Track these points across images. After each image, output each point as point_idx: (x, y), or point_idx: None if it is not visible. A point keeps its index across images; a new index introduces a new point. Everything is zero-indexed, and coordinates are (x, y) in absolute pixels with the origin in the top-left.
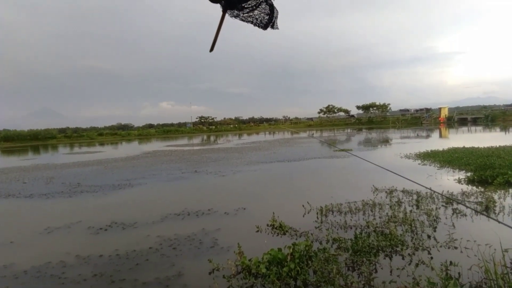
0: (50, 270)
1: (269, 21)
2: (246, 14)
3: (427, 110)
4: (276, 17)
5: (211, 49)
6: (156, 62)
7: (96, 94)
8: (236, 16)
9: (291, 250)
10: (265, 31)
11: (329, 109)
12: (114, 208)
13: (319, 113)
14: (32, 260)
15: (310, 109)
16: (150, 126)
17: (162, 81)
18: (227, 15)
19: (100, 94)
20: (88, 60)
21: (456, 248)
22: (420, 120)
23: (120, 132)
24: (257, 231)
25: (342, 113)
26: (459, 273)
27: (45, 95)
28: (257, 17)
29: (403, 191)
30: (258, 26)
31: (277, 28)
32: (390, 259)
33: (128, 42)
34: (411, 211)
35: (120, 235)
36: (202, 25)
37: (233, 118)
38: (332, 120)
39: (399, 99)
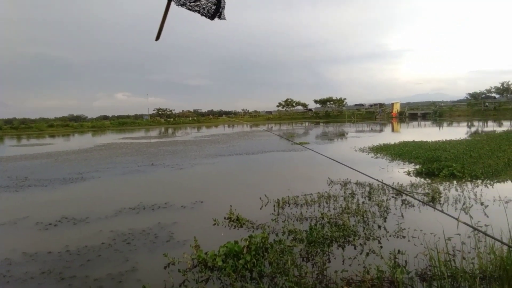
0: None
1: (216, 11)
2: (193, 3)
3: (381, 105)
4: (223, 7)
5: (157, 38)
6: (110, 51)
7: (45, 83)
8: (182, 5)
9: (247, 242)
10: (215, 21)
11: (288, 103)
12: (65, 203)
13: (278, 106)
14: None
15: (269, 103)
16: (105, 117)
17: (117, 71)
18: (173, 4)
19: (49, 83)
20: (34, 47)
21: (404, 237)
22: (374, 114)
23: (72, 124)
24: (214, 224)
25: (300, 107)
26: (406, 261)
27: None
28: (204, 6)
29: (356, 183)
30: (205, 16)
31: (224, 19)
32: (343, 249)
33: (79, 29)
34: (363, 202)
35: (70, 231)
36: (157, 15)
37: (192, 110)
38: (290, 114)
39: (355, 94)
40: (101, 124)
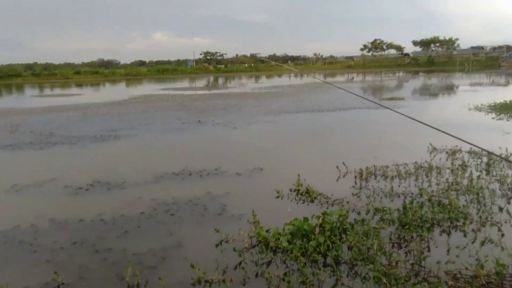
0: (19, 236)
1: None
2: None
3: (508, 48)
4: None
5: None
6: None
7: (72, 21)
8: None
9: (320, 220)
10: None
11: (376, 45)
12: (97, 164)
13: (362, 50)
14: None
15: (350, 45)
16: (141, 63)
17: (156, 4)
18: None
19: (76, 20)
20: None
21: None
22: (498, 61)
23: (103, 71)
24: (277, 197)
25: (393, 51)
26: None
27: (6, 23)
28: None
29: (469, 152)
30: None
31: None
32: (448, 235)
33: None
34: (479, 177)
35: (104, 197)
36: None
37: (249, 55)
38: (379, 60)
39: (471, 33)
40: (137, 71)
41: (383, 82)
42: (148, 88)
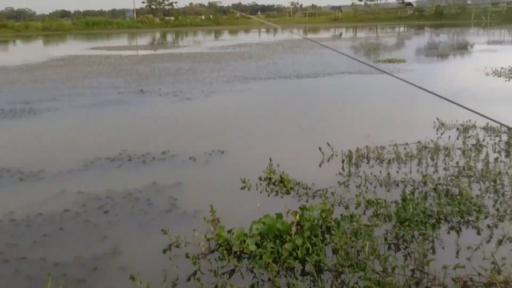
0: None
1: None
2: None
3: None
4: None
5: None
6: None
7: None
8: None
9: (297, 217)
10: None
11: None
12: (5, 147)
13: None
14: None
15: None
16: (64, 14)
17: None
18: None
19: None
20: None
21: None
22: None
23: (12, 24)
24: (243, 187)
25: (392, 0)
26: None
27: None
28: None
29: (486, 128)
30: None
31: None
32: (458, 233)
33: None
34: (497, 159)
35: (15, 190)
36: None
37: (206, 4)
38: (374, 12)
39: None
40: (58, 24)
41: (379, 39)
42: (73, 47)
